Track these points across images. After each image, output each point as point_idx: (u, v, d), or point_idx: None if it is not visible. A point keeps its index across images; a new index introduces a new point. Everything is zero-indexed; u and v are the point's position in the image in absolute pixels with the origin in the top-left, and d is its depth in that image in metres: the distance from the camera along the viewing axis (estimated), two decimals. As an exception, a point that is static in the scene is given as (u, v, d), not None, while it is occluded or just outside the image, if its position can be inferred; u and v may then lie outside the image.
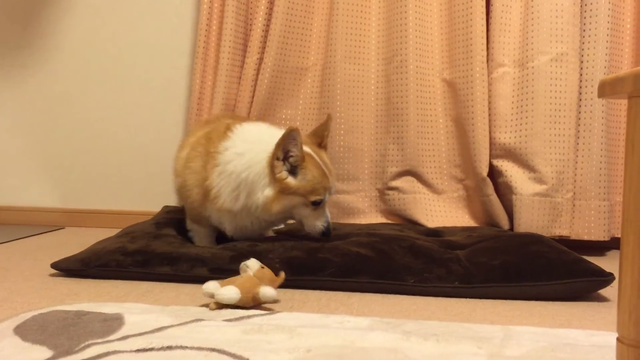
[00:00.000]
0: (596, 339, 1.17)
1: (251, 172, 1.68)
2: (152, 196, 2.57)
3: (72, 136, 2.62)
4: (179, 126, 2.57)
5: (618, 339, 0.76)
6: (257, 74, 2.39)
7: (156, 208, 2.49)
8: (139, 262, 1.61)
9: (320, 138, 1.85)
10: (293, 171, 1.68)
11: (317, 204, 1.72)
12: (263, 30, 2.39)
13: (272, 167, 1.66)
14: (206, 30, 2.44)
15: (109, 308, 1.26)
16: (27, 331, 1.10)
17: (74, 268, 1.62)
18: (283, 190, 1.67)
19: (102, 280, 1.58)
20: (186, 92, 2.56)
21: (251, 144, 1.73)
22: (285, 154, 1.66)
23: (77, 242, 2.14)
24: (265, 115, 2.38)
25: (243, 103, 2.39)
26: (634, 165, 0.73)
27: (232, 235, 1.82)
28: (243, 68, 2.41)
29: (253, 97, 2.39)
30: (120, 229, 2.00)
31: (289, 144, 1.65)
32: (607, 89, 0.75)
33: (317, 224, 1.74)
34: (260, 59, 2.40)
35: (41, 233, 2.37)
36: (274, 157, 1.65)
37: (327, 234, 1.75)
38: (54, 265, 1.64)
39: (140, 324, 1.16)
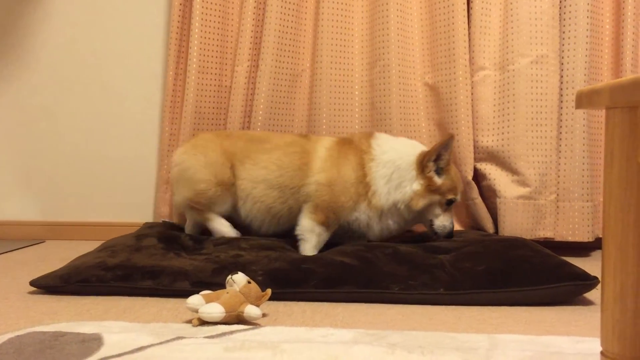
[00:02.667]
0: (581, 346, 1.16)
1: (404, 162, 1.87)
2: (133, 207, 2.54)
3: (51, 148, 2.57)
4: (158, 136, 2.54)
5: (602, 353, 0.75)
6: (249, 82, 2.38)
7: (138, 219, 2.47)
8: (120, 276, 1.58)
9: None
10: (438, 172, 1.88)
11: (450, 204, 1.91)
12: (252, 37, 2.37)
13: (421, 165, 1.86)
14: (177, 40, 2.41)
15: (87, 327, 1.23)
16: (3, 355, 1.07)
17: (53, 285, 1.59)
18: (428, 187, 1.86)
19: (82, 297, 1.55)
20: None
21: (397, 143, 1.97)
22: (437, 157, 1.86)
23: (57, 256, 2.10)
24: (267, 123, 2.34)
25: (235, 113, 2.36)
26: (613, 175, 0.72)
27: (370, 236, 1.93)
28: (233, 77, 2.38)
29: (251, 105, 2.37)
30: (102, 241, 1.97)
31: (444, 149, 1.85)
32: (584, 100, 0.74)
33: (446, 224, 1.91)
34: (252, 67, 2.38)
35: (21, 247, 2.33)
36: (428, 157, 1.86)
37: (451, 235, 1.92)
38: (33, 283, 1.60)
39: (119, 344, 1.13)
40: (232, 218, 2.06)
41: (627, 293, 0.72)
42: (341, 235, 1.94)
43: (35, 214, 2.58)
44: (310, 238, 1.85)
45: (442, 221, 1.91)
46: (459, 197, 1.93)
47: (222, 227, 2.01)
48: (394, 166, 1.87)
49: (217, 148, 2.05)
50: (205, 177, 2.01)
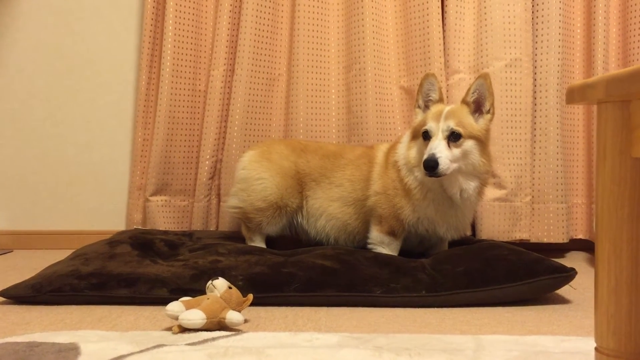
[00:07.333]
0: (566, 345, 1.16)
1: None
2: (105, 214, 2.48)
3: (19, 155, 2.49)
4: (130, 142, 2.49)
5: (597, 349, 0.75)
6: (225, 87, 2.35)
7: (110, 227, 2.41)
8: (95, 285, 1.54)
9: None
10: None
11: (426, 137, 1.71)
12: (228, 41, 2.35)
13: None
14: (150, 43, 2.39)
15: (63, 337, 1.19)
16: (-26, 368, 1.03)
17: (24, 295, 1.53)
18: (412, 132, 1.80)
19: (55, 307, 1.49)
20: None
21: None
22: (425, 102, 1.79)
23: (27, 265, 2.03)
24: (244, 128, 2.33)
25: (212, 118, 2.34)
26: (606, 170, 0.72)
27: (444, 233, 1.82)
28: (209, 81, 2.36)
29: (227, 109, 2.35)
30: (73, 250, 1.91)
31: (428, 89, 1.78)
32: (577, 95, 0.74)
33: (428, 154, 1.64)
34: (228, 71, 2.36)
35: (-12, 257, 2.25)
36: (416, 104, 1.81)
37: (427, 166, 1.62)
38: (2, 293, 1.54)
39: (97, 353, 1.09)
40: (297, 234, 2.03)
41: (621, 288, 0.71)
42: (417, 245, 1.90)
43: (2, 222, 2.50)
44: (381, 250, 1.82)
45: (427, 153, 1.65)
46: (430, 127, 1.69)
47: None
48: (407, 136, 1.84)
49: (292, 167, 1.98)
50: (270, 198, 1.95)
